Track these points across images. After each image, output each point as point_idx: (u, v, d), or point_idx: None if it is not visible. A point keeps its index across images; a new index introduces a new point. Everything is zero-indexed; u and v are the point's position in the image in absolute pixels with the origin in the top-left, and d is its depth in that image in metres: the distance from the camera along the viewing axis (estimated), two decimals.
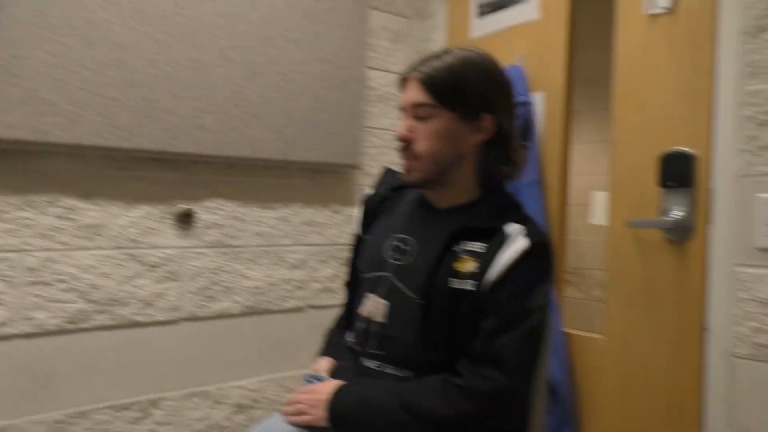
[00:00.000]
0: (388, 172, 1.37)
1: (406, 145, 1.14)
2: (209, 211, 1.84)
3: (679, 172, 1.51)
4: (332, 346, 1.35)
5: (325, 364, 1.28)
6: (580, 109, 2.94)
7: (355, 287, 1.29)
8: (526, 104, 1.81)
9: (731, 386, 1.43)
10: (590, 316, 2.88)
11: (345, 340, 1.29)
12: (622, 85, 1.68)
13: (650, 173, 1.60)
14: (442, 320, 1.08)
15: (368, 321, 1.19)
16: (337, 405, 1.09)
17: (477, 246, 1.10)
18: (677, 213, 1.53)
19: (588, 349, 1.75)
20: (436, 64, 1.10)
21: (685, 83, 1.54)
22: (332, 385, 1.13)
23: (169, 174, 1.76)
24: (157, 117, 1.64)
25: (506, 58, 1.97)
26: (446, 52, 1.13)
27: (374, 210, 1.31)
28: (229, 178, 1.88)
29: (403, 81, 1.16)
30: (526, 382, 1.04)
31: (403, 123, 1.14)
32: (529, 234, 1.08)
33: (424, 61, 1.13)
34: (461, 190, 1.18)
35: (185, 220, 1.78)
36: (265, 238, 1.96)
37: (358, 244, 1.30)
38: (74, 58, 1.51)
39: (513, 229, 1.09)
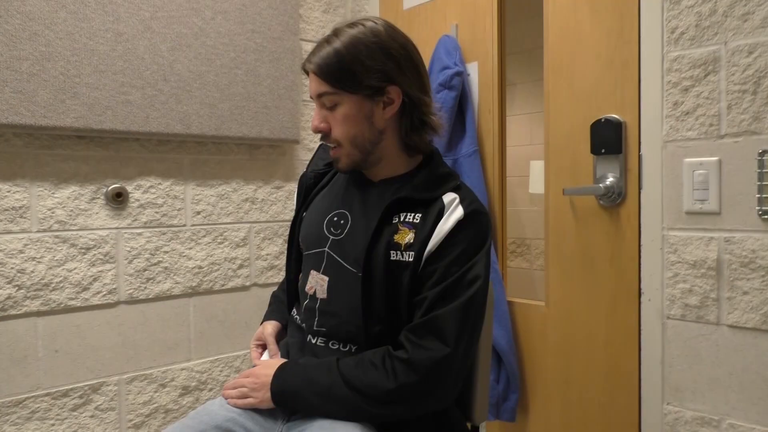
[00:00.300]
0: (323, 149, 1.35)
1: (325, 134, 1.14)
2: (143, 190, 1.78)
3: (609, 139, 1.53)
4: (277, 308, 1.35)
5: (270, 328, 1.29)
6: (517, 81, 2.97)
7: (298, 265, 1.28)
8: (462, 74, 1.80)
9: (664, 347, 1.47)
10: (535, 285, 2.94)
11: (291, 316, 1.28)
12: (552, 55, 1.68)
13: (583, 141, 1.61)
14: (383, 292, 1.08)
15: (312, 298, 1.18)
16: (279, 386, 1.09)
17: (415, 217, 1.10)
18: (609, 180, 1.55)
19: (530, 317, 1.78)
20: (326, 51, 1.09)
21: (612, 51, 1.55)
22: (274, 365, 1.12)
23: (96, 152, 1.70)
24: (79, 92, 1.57)
25: (439, 28, 1.97)
26: (335, 34, 1.11)
27: (311, 187, 1.30)
28: (162, 155, 1.82)
29: (306, 73, 1.16)
30: (466, 351, 1.05)
31: (315, 114, 1.14)
32: (464, 203, 1.09)
33: (316, 50, 1.11)
34: (391, 163, 1.18)
35: (117, 199, 1.72)
36: (205, 217, 1.92)
37: (298, 223, 1.29)
38: None
39: (448, 198, 1.10)
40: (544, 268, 1.74)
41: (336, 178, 1.27)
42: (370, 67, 1.07)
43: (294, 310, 1.27)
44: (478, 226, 1.09)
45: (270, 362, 1.15)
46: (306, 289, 1.20)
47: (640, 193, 1.51)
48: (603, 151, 1.55)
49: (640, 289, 1.52)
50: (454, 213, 1.07)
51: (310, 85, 1.14)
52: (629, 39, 1.51)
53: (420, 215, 1.09)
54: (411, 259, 1.07)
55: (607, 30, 1.56)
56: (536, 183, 2.79)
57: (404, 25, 2.11)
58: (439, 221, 1.07)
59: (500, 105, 1.84)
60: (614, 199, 1.55)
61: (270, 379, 1.10)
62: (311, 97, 1.16)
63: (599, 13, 1.57)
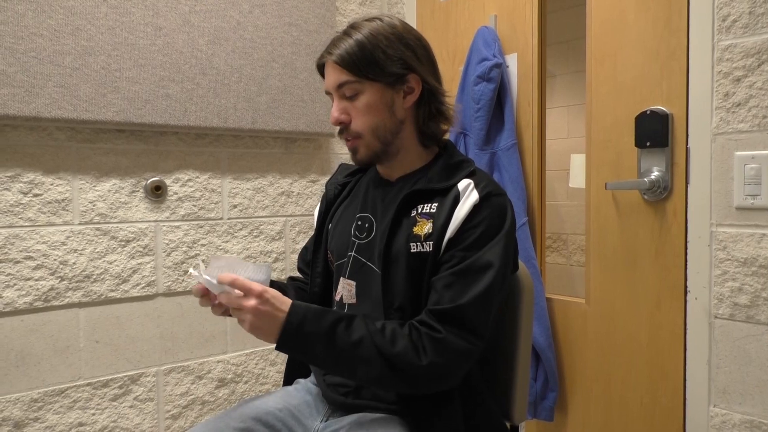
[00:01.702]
0: (343, 167, 1.36)
1: (345, 126, 1.13)
2: (181, 183, 1.80)
3: (655, 131, 1.48)
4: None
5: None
6: (556, 73, 2.91)
7: (324, 278, 1.26)
8: (500, 66, 1.76)
9: (711, 347, 1.42)
10: (573, 282, 2.88)
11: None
12: (595, 45, 1.64)
13: (627, 134, 1.57)
14: (405, 286, 1.07)
15: (339, 304, 1.18)
16: (294, 325, 0.96)
17: (431, 207, 1.09)
18: (654, 174, 1.50)
19: (570, 314, 1.74)
20: (347, 42, 1.09)
21: (658, 41, 1.50)
22: (284, 299, 0.99)
23: (136, 146, 1.72)
24: (120, 86, 1.59)
25: (477, 19, 1.93)
26: (353, 27, 1.12)
27: (332, 200, 1.29)
28: (200, 149, 1.83)
29: (321, 68, 1.16)
30: (485, 339, 1.03)
31: (335, 106, 1.13)
32: (478, 187, 1.07)
33: (335, 43, 1.12)
34: (408, 156, 1.17)
35: (156, 193, 1.74)
36: (241, 210, 1.93)
37: (325, 235, 1.27)
38: (26, 25, 1.45)
39: (463, 185, 1.08)
40: (585, 265, 1.70)
41: (357, 187, 1.27)
42: (391, 55, 1.08)
43: None
44: (495, 207, 1.06)
45: (277, 294, 0.98)
46: (336, 297, 1.19)
47: (687, 187, 1.46)
48: (648, 144, 1.50)
49: (686, 287, 1.47)
50: (469, 198, 1.06)
51: (327, 78, 1.13)
52: (677, 28, 1.46)
53: (436, 204, 1.08)
54: (431, 249, 1.05)
55: (653, 19, 1.51)
56: (577, 177, 2.73)
57: (441, 17, 2.08)
58: (455, 208, 1.06)
59: (540, 97, 1.80)
60: (659, 194, 1.50)
61: (283, 315, 0.96)
62: (327, 92, 1.15)
63: (645, 1, 1.52)
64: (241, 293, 0.95)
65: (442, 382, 1.01)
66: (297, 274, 1.40)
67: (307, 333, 0.96)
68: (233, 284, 0.95)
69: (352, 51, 1.07)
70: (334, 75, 1.11)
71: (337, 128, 1.15)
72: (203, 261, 1.08)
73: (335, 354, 0.97)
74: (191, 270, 1.00)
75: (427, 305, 1.03)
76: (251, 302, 0.94)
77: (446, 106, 1.16)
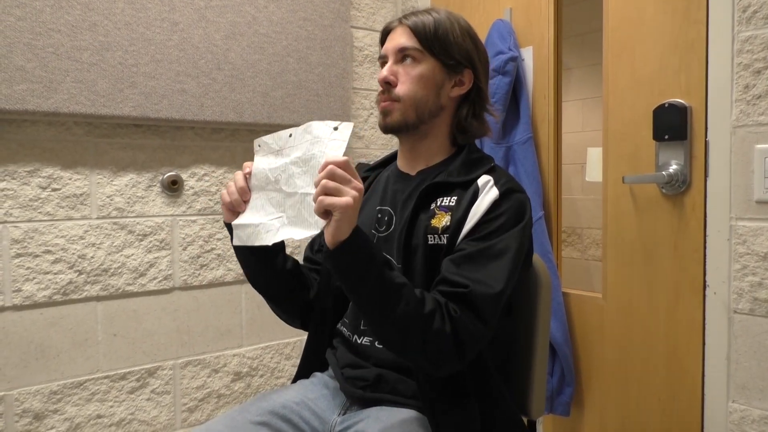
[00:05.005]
0: (361, 166, 1.37)
1: (389, 87, 1.15)
2: (197, 178, 1.81)
3: (673, 124, 1.47)
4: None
5: None
6: (571, 66, 2.88)
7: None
8: (516, 59, 1.75)
9: (730, 343, 1.40)
10: (587, 276, 2.87)
11: (337, 328, 1.25)
12: (612, 38, 1.62)
13: (645, 128, 1.55)
14: (424, 279, 1.07)
15: None
16: (361, 237, 0.93)
17: (450, 200, 1.10)
18: (673, 167, 1.49)
19: (587, 309, 1.73)
20: (425, 16, 1.15)
21: (677, 33, 1.48)
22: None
23: (153, 140, 1.73)
24: (137, 82, 1.60)
25: (492, 12, 1.92)
26: (433, 9, 1.18)
27: None
28: (216, 144, 1.84)
29: (388, 32, 1.19)
30: (493, 326, 1.02)
31: (387, 68, 1.16)
32: (498, 184, 1.08)
33: (413, 13, 1.17)
34: (433, 146, 1.18)
35: (173, 187, 1.75)
36: None
37: None
38: (45, 21, 1.47)
39: (482, 181, 1.09)
40: (602, 259, 1.68)
41: (377, 181, 1.27)
42: (459, 43, 1.15)
43: (340, 323, 1.25)
44: (515, 203, 1.07)
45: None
46: None
47: (706, 181, 1.44)
48: (666, 137, 1.48)
49: (704, 281, 1.45)
50: (488, 194, 1.06)
51: (392, 40, 1.16)
52: (696, 19, 1.44)
53: (455, 198, 1.09)
54: (445, 242, 1.06)
55: (671, 10, 1.49)
56: (593, 171, 2.71)
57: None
58: (473, 203, 1.06)
59: (556, 91, 1.79)
60: (678, 188, 1.49)
61: (353, 227, 0.92)
62: (381, 57, 1.17)
63: None
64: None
65: (453, 356, 0.97)
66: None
67: (369, 253, 0.93)
68: (345, 165, 0.91)
69: (429, 23, 1.13)
70: (403, 38, 1.14)
71: (377, 97, 1.18)
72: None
73: (382, 284, 0.94)
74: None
75: (437, 283, 1.01)
76: (356, 189, 0.90)
77: (489, 110, 1.21)
